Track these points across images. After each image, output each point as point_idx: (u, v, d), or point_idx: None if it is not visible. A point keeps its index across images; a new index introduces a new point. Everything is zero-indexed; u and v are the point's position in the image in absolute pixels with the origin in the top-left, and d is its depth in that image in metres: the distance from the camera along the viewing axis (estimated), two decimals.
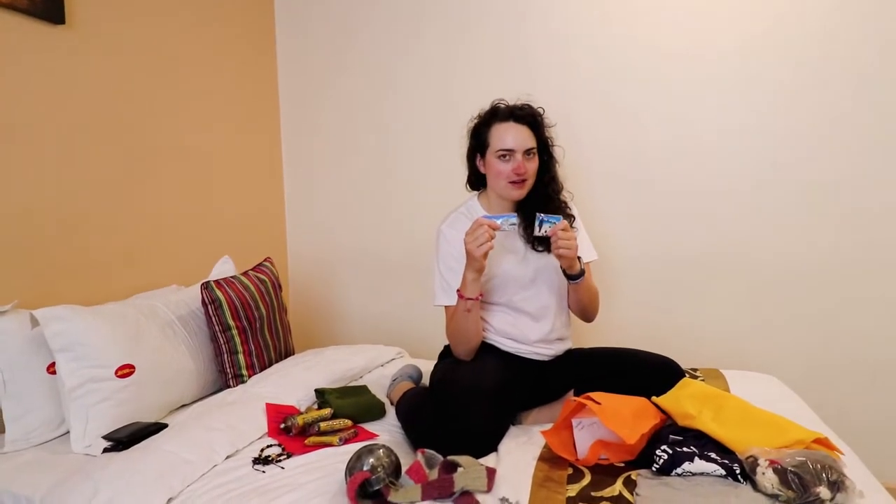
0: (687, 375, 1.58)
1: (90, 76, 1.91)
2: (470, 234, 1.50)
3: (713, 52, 2.18)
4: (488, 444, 1.43)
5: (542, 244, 1.68)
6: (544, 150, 1.69)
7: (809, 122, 2.12)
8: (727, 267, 2.26)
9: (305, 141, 2.79)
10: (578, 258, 1.60)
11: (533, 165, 1.65)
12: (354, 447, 1.39)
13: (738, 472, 1.18)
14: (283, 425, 1.55)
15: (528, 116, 1.65)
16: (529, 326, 1.70)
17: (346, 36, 2.64)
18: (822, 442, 1.24)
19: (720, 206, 2.24)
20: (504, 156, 1.62)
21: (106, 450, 1.49)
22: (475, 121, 1.72)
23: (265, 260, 2.19)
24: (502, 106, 1.68)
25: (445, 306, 1.68)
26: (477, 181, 1.78)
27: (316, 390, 1.75)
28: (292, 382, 1.79)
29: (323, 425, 1.52)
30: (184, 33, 2.27)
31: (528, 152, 1.63)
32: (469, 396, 1.45)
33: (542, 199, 1.69)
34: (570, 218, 1.71)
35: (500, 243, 1.67)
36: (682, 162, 2.26)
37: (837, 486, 1.10)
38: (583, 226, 1.79)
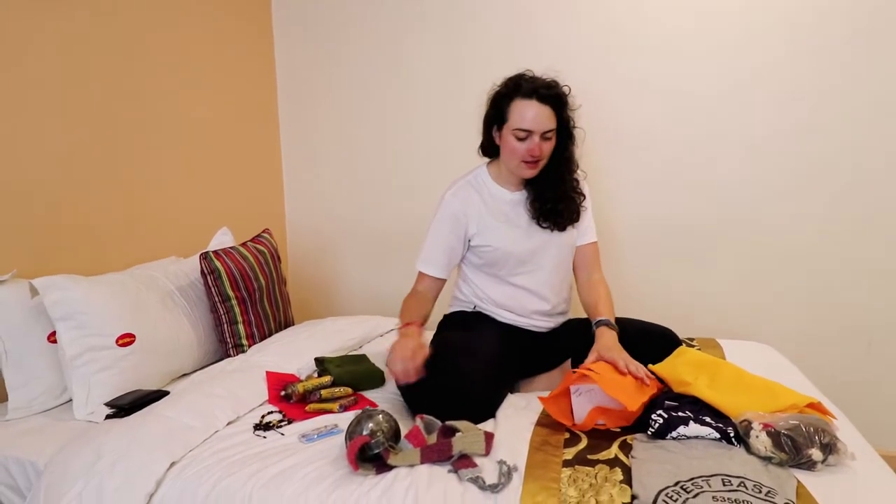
0: (684, 345, 1.60)
1: (87, 46, 1.88)
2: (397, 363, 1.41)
3: (719, 18, 2.15)
4: (486, 411, 1.44)
5: (546, 221, 1.64)
6: (564, 130, 1.60)
7: (807, 93, 2.10)
8: (725, 237, 2.26)
9: (304, 111, 2.76)
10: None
11: (549, 146, 1.57)
12: (354, 414, 1.40)
13: (731, 435, 1.20)
14: (283, 393, 1.56)
15: (553, 97, 1.54)
16: (528, 300, 1.69)
17: (348, 7, 2.60)
18: (816, 406, 1.25)
19: (719, 176, 2.23)
20: (521, 135, 1.55)
21: (108, 416, 1.50)
22: (498, 88, 1.60)
23: (264, 231, 2.19)
24: (527, 79, 1.56)
25: (419, 272, 1.69)
26: (490, 149, 1.70)
27: (316, 359, 1.76)
28: (292, 352, 1.81)
29: (324, 392, 1.54)
30: (182, 1, 2.23)
31: (546, 134, 1.55)
32: (467, 364, 1.45)
33: (553, 179, 1.63)
34: (580, 197, 1.68)
35: (505, 215, 1.66)
36: (683, 132, 2.25)
37: (829, 448, 1.12)
38: (591, 206, 1.75)
